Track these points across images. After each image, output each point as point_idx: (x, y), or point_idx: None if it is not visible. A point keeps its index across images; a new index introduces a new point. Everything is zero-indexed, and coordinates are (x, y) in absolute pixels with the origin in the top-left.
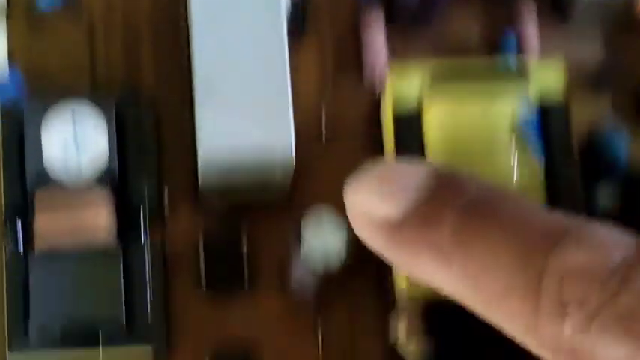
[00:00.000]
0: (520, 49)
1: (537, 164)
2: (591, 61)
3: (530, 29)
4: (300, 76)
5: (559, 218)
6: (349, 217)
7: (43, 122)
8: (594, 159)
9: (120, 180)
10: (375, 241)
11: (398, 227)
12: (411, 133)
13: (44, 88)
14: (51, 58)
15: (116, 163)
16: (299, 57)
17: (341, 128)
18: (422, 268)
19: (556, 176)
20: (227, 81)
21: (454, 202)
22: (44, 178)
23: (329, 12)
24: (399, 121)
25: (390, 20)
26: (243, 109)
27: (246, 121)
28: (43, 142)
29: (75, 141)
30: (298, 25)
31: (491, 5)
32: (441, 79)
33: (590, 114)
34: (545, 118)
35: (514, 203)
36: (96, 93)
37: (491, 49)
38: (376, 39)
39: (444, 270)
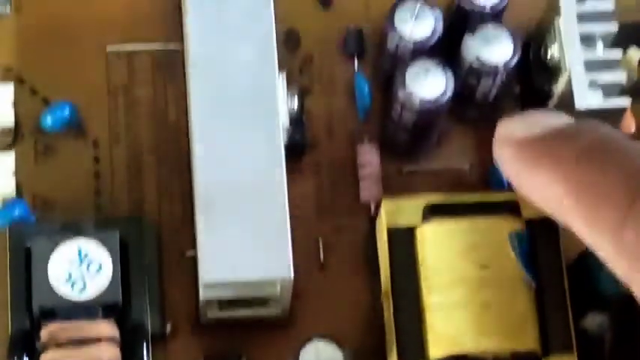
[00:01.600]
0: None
1: (528, 286)
2: None
3: None
4: (298, 200)
5: None
6: (494, 140)
7: (50, 257)
8: (584, 284)
9: (123, 306)
10: (508, 153)
11: (532, 141)
12: (405, 256)
13: (50, 215)
14: (57, 186)
15: (120, 295)
16: (297, 181)
17: (338, 252)
18: (539, 179)
19: (546, 301)
20: (227, 204)
21: (584, 135)
22: (50, 311)
23: (326, 139)
24: (394, 243)
25: (385, 152)
26: (243, 232)
27: (246, 243)
28: (49, 276)
29: (80, 274)
30: (297, 149)
31: (480, 139)
32: (434, 213)
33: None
34: (536, 242)
35: (632, 144)
36: (101, 225)
37: (483, 183)
38: (371, 169)
39: (558, 180)
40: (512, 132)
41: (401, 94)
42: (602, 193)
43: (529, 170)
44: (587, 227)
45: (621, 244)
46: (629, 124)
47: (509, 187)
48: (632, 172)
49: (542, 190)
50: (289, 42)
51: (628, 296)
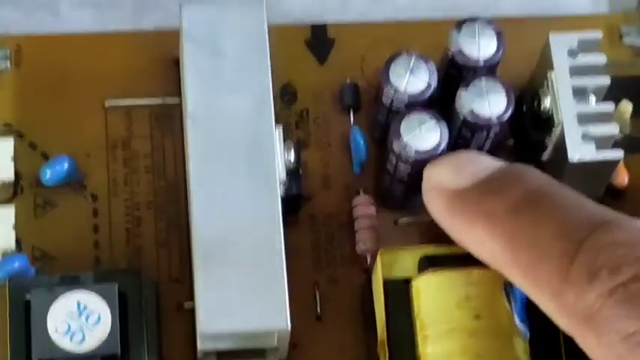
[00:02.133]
0: None
1: (523, 337)
2: None
3: None
4: (295, 252)
5: (603, 209)
6: (423, 186)
7: (49, 310)
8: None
9: (122, 357)
10: (439, 206)
11: (463, 195)
12: (401, 306)
13: (50, 268)
14: (56, 239)
15: (119, 346)
16: (294, 233)
17: (334, 303)
18: (474, 233)
19: (540, 352)
20: (225, 256)
21: (516, 185)
22: None
23: (323, 192)
24: (390, 294)
25: (381, 204)
26: (240, 283)
27: (243, 294)
28: (48, 328)
29: (79, 326)
30: (293, 201)
31: None
32: (429, 264)
33: None
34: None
35: (568, 194)
36: (100, 277)
37: None
38: (367, 221)
39: (492, 237)
40: (441, 182)
41: (396, 145)
42: (538, 250)
43: (463, 226)
44: (527, 285)
45: (562, 305)
46: (622, 176)
47: None
48: (566, 226)
49: (479, 245)
50: (286, 96)
51: None
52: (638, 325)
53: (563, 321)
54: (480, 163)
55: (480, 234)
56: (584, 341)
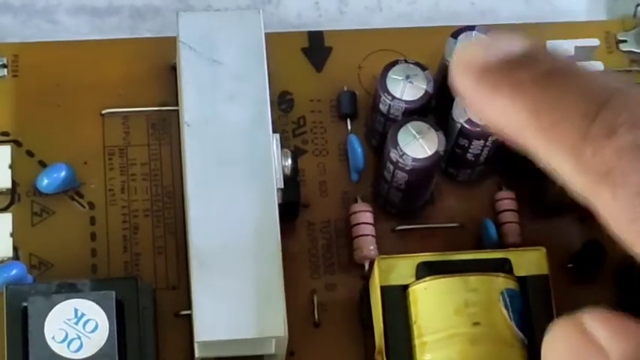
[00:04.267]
0: (501, 240)
1: (521, 344)
2: (571, 248)
3: (511, 219)
4: (292, 259)
5: (624, 80)
6: (451, 68)
7: (47, 317)
8: None
9: None
10: (466, 81)
11: (490, 68)
12: (398, 313)
13: (47, 276)
14: (53, 246)
15: (116, 354)
16: (291, 240)
17: (332, 311)
18: (498, 103)
19: (538, 359)
20: (222, 263)
21: (543, 59)
22: None
23: (320, 199)
24: (387, 301)
25: (378, 211)
26: (238, 291)
27: (241, 302)
28: (46, 335)
29: (77, 334)
30: (291, 209)
31: (473, 198)
32: (427, 271)
33: (571, 300)
34: (528, 300)
35: (592, 69)
36: (97, 285)
37: (475, 241)
38: (365, 229)
39: (517, 104)
40: (471, 58)
41: (393, 154)
42: (561, 112)
43: (489, 95)
44: (545, 146)
45: (580, 162)
46: None
47: (501, 245)
48: (590, 93)
49: (503, 114)
50: (283, 103)
51: None
52: None
53: (579, 178)
54: (509, 40)
55: (504, 101)
56: (599, 199)
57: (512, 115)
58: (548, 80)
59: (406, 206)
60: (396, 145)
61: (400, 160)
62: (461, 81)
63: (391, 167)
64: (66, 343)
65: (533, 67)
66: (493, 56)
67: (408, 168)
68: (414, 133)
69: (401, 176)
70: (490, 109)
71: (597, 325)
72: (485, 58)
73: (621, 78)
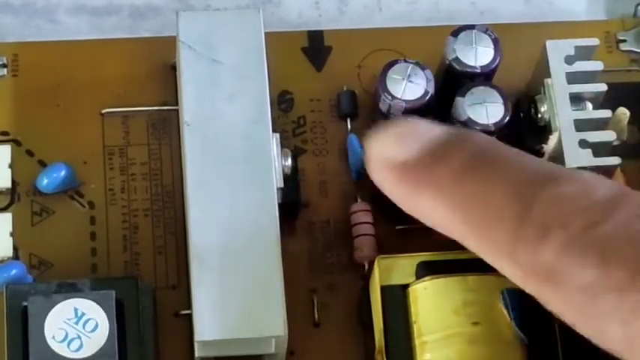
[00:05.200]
0: None
1: (521, 343)
2: None
3: None
4: (292, 259)
5: (551, 165)
6: (367, 160)
7: (47, 317)
8: (576, 340)
9: None
10: (386, 180)
11: (408, 167)
12: (398, 313)
13: (47, 275)
14: (53, 246)
15: (116, 353)
16: (291, 240)
17: (332, 310)
18: (423, 204)
19: (538, 358)
20: (222, 263)
21: (460, 149)
22: None
23: (320, 199)
24: (387, 301)
25: (378, 211)
26: (238, 290)
27: (241, 301)
28: (46, 335)
29: (77, 333)
30: (290, 208)
31: None
32: (426, 271)
33: None
34: (527, 299)
35: (514, 152)
36: (97, 284)
37: None
38: (365, 228)
39: (442, 205)
40: (385, 152)
41: None
42: (488, 212)
43: (411, 196)
44: (481, 248)
45: (517, 265)
46: (618, 182)
47: None
48: (514, 185)
49: (430, 214)
50: (283, 103)
51: None
52: (594, 273)
53: (522, 281)
54: (422, 131)
55: (429, 203)
56: (547, 299)
57: (439, 215)
58: (469, 173)
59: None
60: None
61: None
62: (380, 178)
63: None
64: (66, 342)
65: (451, 160)
66: (408, 152)
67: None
68: None
69: None
70: (415, 206)
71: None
72: (401, 155)
73: (546, 163)
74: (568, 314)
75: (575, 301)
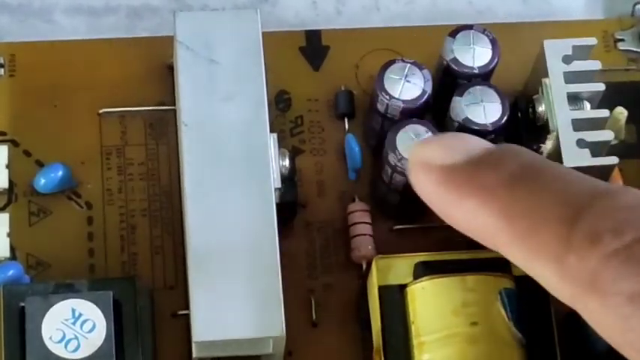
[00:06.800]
0: None
1: (519, 343)
2: None
3: None
4: (290, 259)
5: (605, 182)
6: (410, 166)
7: (44, 317)
8: (574, 341)
9: None
10: (428, 182)
11: (455, 170)
12: (396, 313)
13: (44, 276)
14: (50, 246)
15: (114, 354)
16: (288, 240)
17: (329, 310)
18: (465, 209)
19: (536, 358)
20: (219, 263)
21: (509, 159)
22: None
23: (317, 199)
24: (385, 301)
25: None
26: (235, 290)
27: (238, 302)
28: (43, 335)
29: (74, 334)
30: (288, 208)
31: None
32: (424, 271)
33: None
34: (525, 299)
35: (564, 167)
36: (94, 285)
37: (473, 241)
38: (362, 228)
39: (487, 210)
40: (430, 158)
41: (392, 158)
42: (537, 217)
43: (455, 200)
44: (524, 255)
45: (563, 270)
46: (616, 182)
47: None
48: (566, 194)
49: (471, 220)
50: (280, 103)
51: (618, 353)
52: None
53: (564, 288)
54: (471, 141)
55: (472, 207)
56: (587, 308)
57: (482, 221)
58: (518, 182)
59: (404, 208)
60: (394, 149)
61: (399, 164)
62: (420, 182)
63: (389, 171)
64: (63, 343)
65: (500, 168)
66: (456, 157)
67: (406, 172)
68: (413, 136)
69: (399, 180)
70: (457, 213)
71: None
72: (448, 159)
73: (594, 179)
74: (607, 325)
75: (620, 311)
